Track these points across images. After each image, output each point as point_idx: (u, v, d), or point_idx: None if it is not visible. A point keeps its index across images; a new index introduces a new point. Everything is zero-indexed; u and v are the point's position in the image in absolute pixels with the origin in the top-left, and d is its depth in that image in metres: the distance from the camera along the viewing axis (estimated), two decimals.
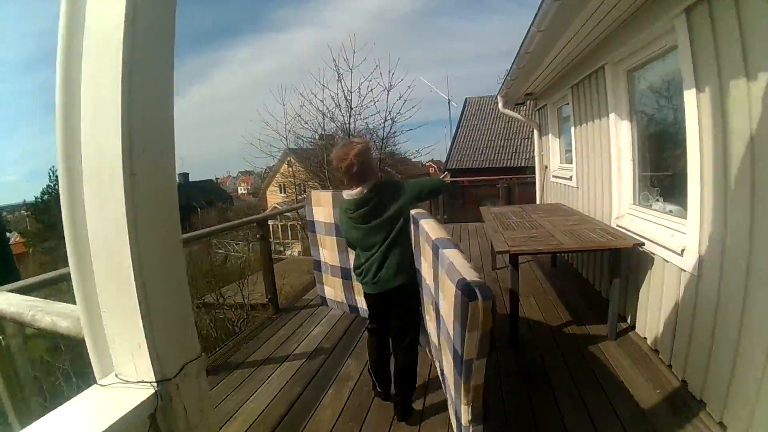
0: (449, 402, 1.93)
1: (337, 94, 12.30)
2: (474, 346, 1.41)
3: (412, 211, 2.35)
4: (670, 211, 3.43)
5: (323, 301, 3.70)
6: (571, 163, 5.98)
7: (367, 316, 2.88)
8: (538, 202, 7.79)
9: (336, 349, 3.90)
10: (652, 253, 3.35)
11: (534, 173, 8.35)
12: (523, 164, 19.79)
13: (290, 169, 16.23)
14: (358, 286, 3.06)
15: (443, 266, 1.70)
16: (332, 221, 3.21)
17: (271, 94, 19.10)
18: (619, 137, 4.11)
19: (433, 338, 2.21)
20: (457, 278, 1.48)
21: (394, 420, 2.69)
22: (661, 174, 3.80)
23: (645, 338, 3.50)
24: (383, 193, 2.38)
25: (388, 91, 12.13)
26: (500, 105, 7.28)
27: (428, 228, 2.04)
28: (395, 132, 13.26)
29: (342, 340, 4.09)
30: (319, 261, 3.53)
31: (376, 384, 2.86)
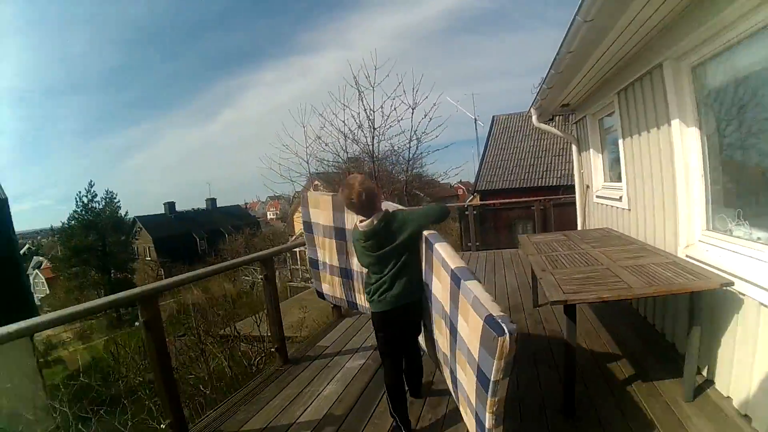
0: (463, 404, 2.26)
1: (359, 114, 11.75)
2: (500, 370, 1.74)
3: (425, 233, 2.52)
4: (758, 239, 2.68)
5: (320, 295, 3.87)
6: (619, 180, 5.21)
7: (359, 310, 3.45)
8: (579, 226, 6.97)
9: (349, 417, 3.21)
10: (741, 293, 2.60)
11: (572, 193, 7.57)
12: (555, 183, 18.87)
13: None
14: (358, 284, 3.32)
15: (467, 298, 1.96)
16: (332, 224, 3.29)
17: (291, 116, 17.96)
18: (685, 148, 3.35)
19: (444, 349, 2.44)
20: (484, 313, 1.81)
21: None
22: (744, 191, 3.03)
23: (729, 398, 2.77)
24: (391, 225, 2.56)
25: (412, 109, 11.54)
26: (534, 118, 6.59)
27: (444, 254, 2.26)
28: (421, 153, 12.62)
29: (358, 403, 3.40)
30: (317, 260, 3.63)
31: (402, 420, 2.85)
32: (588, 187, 6.55)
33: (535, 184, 19.56)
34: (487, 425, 1.88)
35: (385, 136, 12.03)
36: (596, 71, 4.63)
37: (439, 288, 2.32)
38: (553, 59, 4.14)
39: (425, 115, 11.53)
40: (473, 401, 2.01)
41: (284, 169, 12.38)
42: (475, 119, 26.95)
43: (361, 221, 2.62)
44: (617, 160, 5.71)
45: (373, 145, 12.02)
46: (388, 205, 2.85)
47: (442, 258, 2.25)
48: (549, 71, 4.63)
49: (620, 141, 4.85)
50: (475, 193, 23.16)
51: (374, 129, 11.77)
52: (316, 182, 15.05)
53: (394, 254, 2.58)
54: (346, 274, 3.42)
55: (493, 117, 24.31)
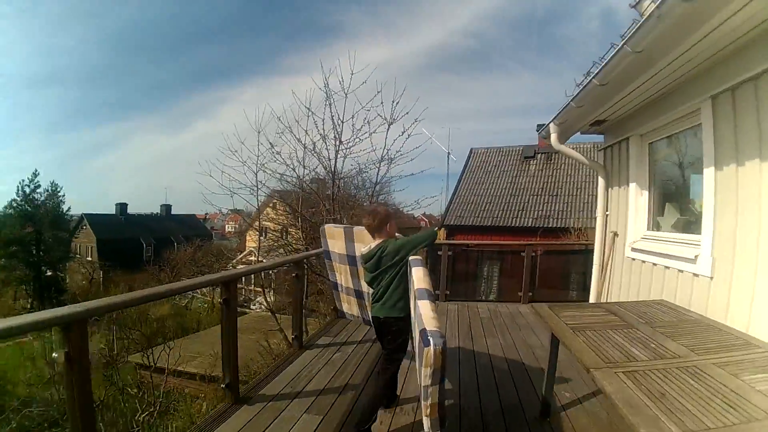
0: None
1: (323, 122, 9.76)
2: (428, 376, 1.99)
3: (410, 258, 2.94)
4: None
5: (341, 314, 4.35)
6: (692, 231, 3.53)
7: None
8: (594, 289, 5.20)
9: None
10: None
11: (551, 236, 5.87)
12: (530, 224, 17.45)
13: (274, 211, 13.44)
14: (368, 303, 3.56)
15: (416, 314, 2.36)
16: (345, 252, 3.75)
17: (246, 119, 11.62)
18: None
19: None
20: (421, 327, 2.09)
21: None
22: None
23: None
24: (384, 250, 3.00)
25: (389, 124, 9.63)
26: (553, 138, 4.85)
27: (416, 276, 2.64)
28: (391, 177, 10.66)
29: None
30: (336, 282, 4.08)
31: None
32: (616, 235, 4.82)
33: (508, 224, 18.07)
34: (425, 428, 2.16)
35: (352, 152, 10.02)
36: (668, 73, 3.03)
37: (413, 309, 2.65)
38: (603, 64, 3.08)
39: (403, 132, 9.65)
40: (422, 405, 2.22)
41: (227, 178, 9.94)
42: (449, 153, 25.55)
43: (365, 248, 3.16)
44: (676, 200, 4.04)
45: (335, 160, 9.99)
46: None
47: (413, 281, 2.64)
48: (589, 79, 3.47)
49: (709, 172, 3.16)
50: (442, 228, 21.58)
51: (340, 142, 9.80)
52: (275, 200, 12.79)
53: (386, 274, 3.03)
54: (358, 294, 3.86)
55: (471, 149, 22.92)
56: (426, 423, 2.12)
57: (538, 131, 20.57)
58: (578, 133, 5.44)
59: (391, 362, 3.14)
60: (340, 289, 4.08)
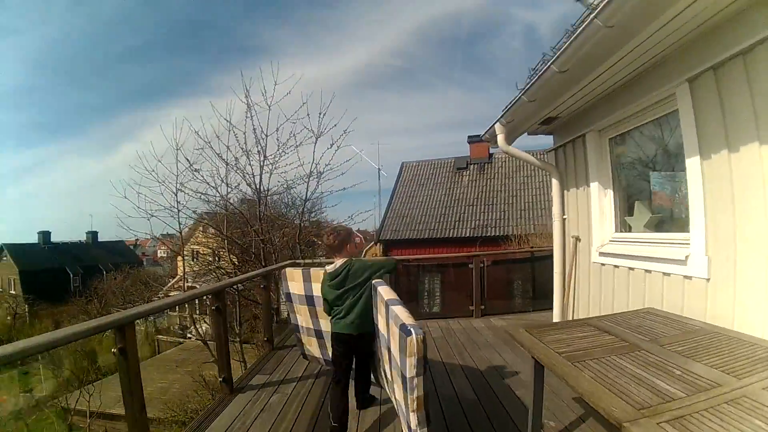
0: (402, 420, 2.57)
1: (245, 136, 8.98)
2: (413, 366, 2.14)
3: (373, 281, 3.09)
4: None
5: (304, 356, 4.31)
6: (675, 229, 3.22)
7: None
8: (558, 295, 4.84)
9: None
10: None
11: (492, 245, 5.52)
12: (469, 234, 17.35)
13: (204, 235, 12.33)
14: (328, 343, 3.66)
15: (392, 318, 2.42)
16: (304, 293, 3.92)
17: (162, 134, 10.59)
18: None
19: (388, 375, 2.83)
20: (399, 323, 2.26)
21: None
22: None
23: None
24: (350, 269, 3.15)
25: (316, 137, 9.02)
26: (500, 139, 4.50)
27: (383, 292, 2.78)
28: (321, 193, 9.99)
29: None
30: (297, 324, 4.16)
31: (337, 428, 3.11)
32: (578, 240, 4.49)
33: (446, 235, 17.87)
34: (412, 426, 2.24)
35: (278, 167, 9.28)
36: (645, 50, 2.74)
37: (381, 322, 2.76)
38: (566, 45, 2.78)
39: (331, 144, 9.07)
40: (403, 408, 2.41)
41: (145, 200, 8.84)
42: (379, 169, 25.26)
43: (330, 266, 3.29)
44: (646, 198, 3.74)
45: (261, 176, 9.21)
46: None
47: (381, 295, 2.77)
48: (543, 68, 3.21)
49: (693, 163, 2.85)
50: (378, 244, 21.10)
51: (265, 157, 9.05)
52: (203, 223, 11.69)
53: (351, 292, 3.13)
54: (318, 334, 3.93)
55: (403, 163, 22.68)
56: (413, 420, 2.19)
57: (469, 141, 20.88)
58: (525, 134, 5.13)
59: (368, 372, 3.51)
60: (301, 331, 4.19)
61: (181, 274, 12.80)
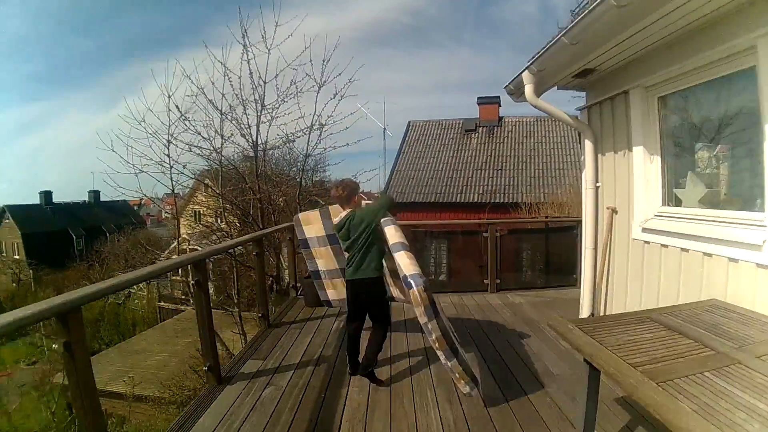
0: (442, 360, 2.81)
1: (240, 81, 8.25)
2: (423, 314, 2.50)
3: (381, 220, 3.28)
4: None
5: (327, 303, 4.35)
6: (746, 207, 2.70)
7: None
8: (588, 273, 4.32)
9: None
10: None
11: (502, 212, 4.97)
12: (477, 199, 16.81)
13: (206, 192, 11.59)
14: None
15: (397, 266, 2.78)
16: (324, 234, 3.99)
17: (154, 79, 9.81)
18: None
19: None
20: (402, 275, 2.61)
21: None
22: None
23: None
24: (352, 220, 3.35)
25: (319, 87, 8.31)
26: (528, 91, 3.87)
27: (388, 234, 3.14)
28: (324, 149, 9.25)
29: None
30: (317, 270, 4.15)
31: (350, 365, 3.54)
32: (615, 212, 3.96)
33: (453, 200, 17.32)
34: (443, 361, 2.71)
35: (278, 117, 8.55)
36: None
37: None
38: None
39: (335, 94, 8.35)
40: (435, 350, 2.77)
41: (132, 153, 8.17)
42: (384, 128, 24.43)
43: (337, 218, 3.54)
44: (703, 169, 3.20)
45: (258, 127, 8.50)
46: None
47: (387, 240, 3.12)
48: (594, 4, 2.61)
49: None
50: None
51: (263, 107, 8.34)
52: (207, 180, 10.93)
53: (357, 241, 3.32)
54: (343, 273, 3.70)
55: (410, 122, 21.81)
56: (441, 356, 2.73)
57: (479, 103, 20.00)
58: (555, 88, 4.50)
59: (381, 324, 3.46)
60: (322, 276, 4.15)
61: (182, 236, 12.37)
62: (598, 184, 4.20)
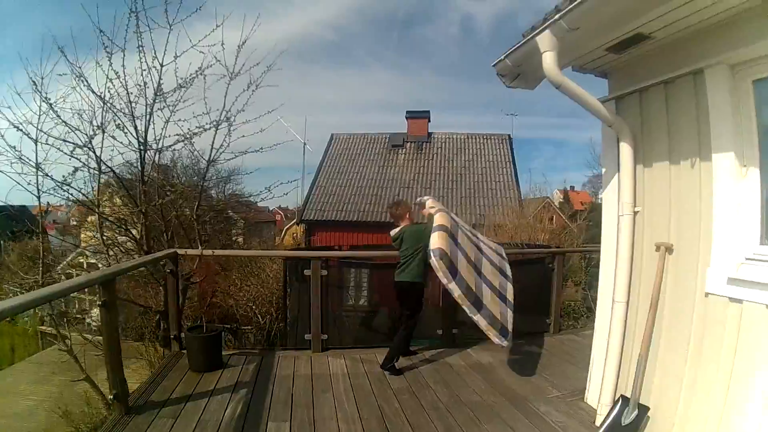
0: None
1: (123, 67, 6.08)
2: (442, 278, 3.25)
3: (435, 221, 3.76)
4: None
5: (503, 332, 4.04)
6: None
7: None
8: (616, 350, 3.01)
9: None
10: None
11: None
12: None
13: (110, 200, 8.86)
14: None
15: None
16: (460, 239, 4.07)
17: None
18: None
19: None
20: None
21: None
22: None
23: None
24: (405, 234, 4.05)
25: (230, 78, 6.49)
26: (548, 58, 2.54)
27: (436, 218, 3.73)
28: (233, 153, 7.14)
29: None
30: (471, 292, 3.88)
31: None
32: (668, 251, 2.69)
33: (378, 219, 15.96)
34: (468, 314, 3.34)
35: (176, 114, 6.47)
36: None
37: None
38: None
39: (249, 85, 6.52)
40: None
41: None
42: (305, 143, 22.85)
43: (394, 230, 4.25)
44: None
45: (148, 117, 6.32)
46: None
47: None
48: None
49: None
50: (300, 224, 18.79)
51: (162, 93, 6.34)
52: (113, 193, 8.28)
53: (405, 253, 4.01)
54: (489, 286, 3.79)
55: (333, 135, 20.33)
56: (467, 312, 3.36)
57: (407, 117, 18.80)
58: (574, 68, 3.25)
59: (409, 321, 4.09)
60: (482, 295, 3.61)
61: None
62: (637, 209, 2.95)
